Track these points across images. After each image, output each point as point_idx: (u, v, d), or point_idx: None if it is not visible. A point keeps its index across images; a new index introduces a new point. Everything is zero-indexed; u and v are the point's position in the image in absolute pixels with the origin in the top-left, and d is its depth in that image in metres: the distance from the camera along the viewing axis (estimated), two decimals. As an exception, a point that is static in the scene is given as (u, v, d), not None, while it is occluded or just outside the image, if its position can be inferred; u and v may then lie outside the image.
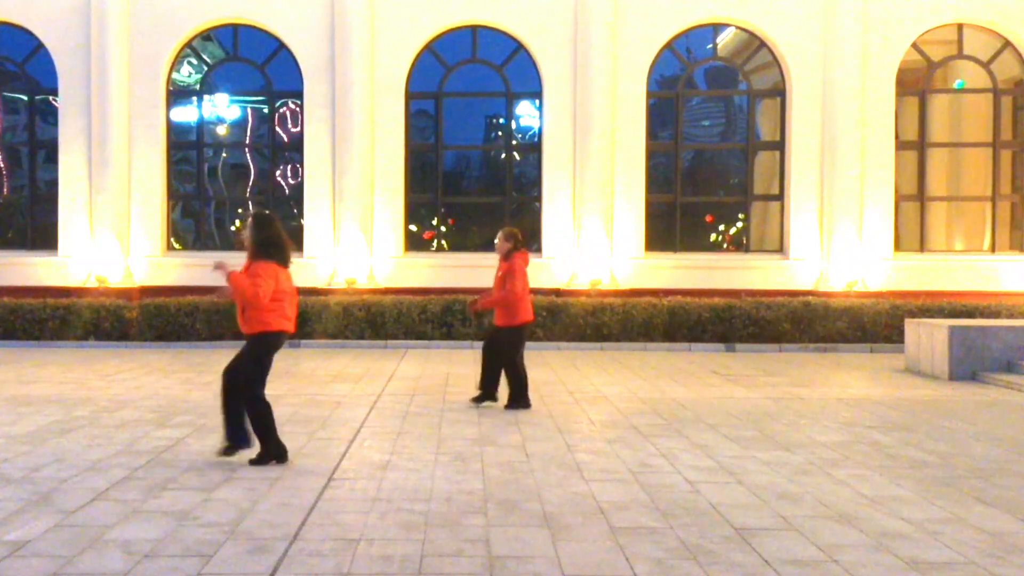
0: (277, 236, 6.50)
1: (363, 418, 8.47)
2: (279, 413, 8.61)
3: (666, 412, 8.88)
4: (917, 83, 18.03)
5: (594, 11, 17.22)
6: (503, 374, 9.03)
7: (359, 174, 17.30)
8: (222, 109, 18.62)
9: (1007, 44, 17.62)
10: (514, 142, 18.66)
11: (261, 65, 18.18)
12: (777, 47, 17.58)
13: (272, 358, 6.60)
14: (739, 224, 18.65)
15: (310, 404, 9.16)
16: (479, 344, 15.09)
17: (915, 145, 17.93)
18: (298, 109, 18.03)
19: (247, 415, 6.46)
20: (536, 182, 18.10)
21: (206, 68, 18.44)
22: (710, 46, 18.19)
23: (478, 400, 9.12)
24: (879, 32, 17.34)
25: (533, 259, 17.33)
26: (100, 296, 16.47)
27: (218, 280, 6.50)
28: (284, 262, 6.51)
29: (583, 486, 5.93)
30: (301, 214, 17.87)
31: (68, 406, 8.96)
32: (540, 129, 17.99)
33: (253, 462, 6.44)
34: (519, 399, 8.97)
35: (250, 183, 18.77)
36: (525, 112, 18.59)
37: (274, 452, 6.49)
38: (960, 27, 17.66)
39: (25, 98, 18.63)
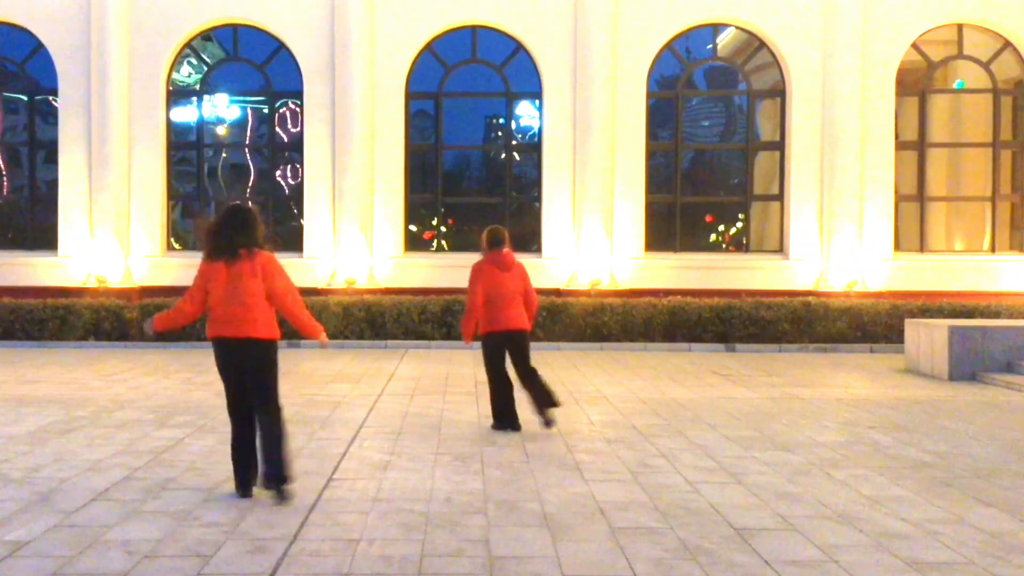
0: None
1: (363, 418, 8.47)
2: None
3: (666, 412, 8.88)
4: (917, 83, 18.03)
5: (594, 11, 17.22)
6: (521, 380, 7.96)
7: (359, 174, 17.30)
8: (222, 109, 18.63)
9: (1007, 44, 17.62)
10: (514, 142, 18.66)
11: (261, 65, 18.18)
12: (777, 47, 17.58)
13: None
14: (739, 224, 18.66)
15: (310, 404, 9.15)
16: (479, 344, 15.11)
17: (915, 145, 17.92)
18: (298, 109, 18.03)
19: (272, 432, 5.56)
20: (536, 182, 18.10)
21: (206, 68, 18.44)
22: (710, 46, 18.18)
23: (547, 425, 7.87)
24: (879, 32, 17.34)
25: (533, 259, 17.48)
26: (100, 296, 16.46)
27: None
28: None
29: (583, 486, 5.93)
30: (301, 214, 17.87)
31: (68, 406, 8.96)
32: (540, 129, 17.99)
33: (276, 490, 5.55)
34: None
35: (250, 183, 18.77)
36: (525, 112, 18.60)
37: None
38: (960, 27, 17.66)
39: (25, 98, 18.63)
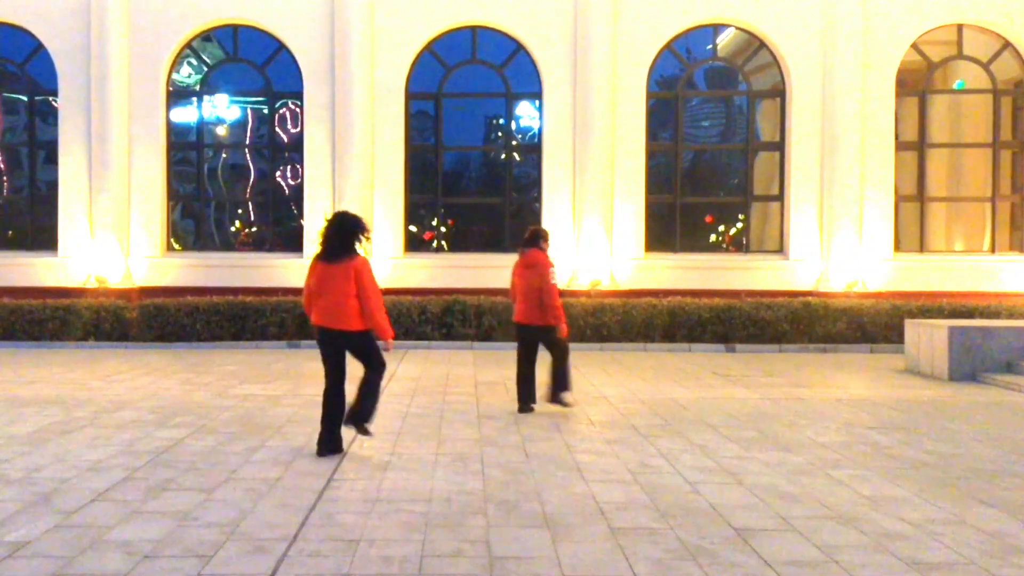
0: None
1: (363, 419, 8.46)
2: (279, 414, 8.65)
3: (666, 413, 8.88)
4: (917, 83, 18.02)
5: (594, 11, 17.22)
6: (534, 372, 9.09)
7: (359, 174, 17.30)
8: (222, 110, 18.62)
9: (1007, 44, 17.62)
10: (514, 143, 18.66)
11: (261, 66, 18.17)
12: (777, 47, 17.58)
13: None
14: (739, 224, 18.65)
15: (310, 405, 9.14)
16: (479, 345, 15.16)
17: (915, 145, 17.92)
18: (298, 110, 18.02)
19: (370, 382, 6.91)
20: (536, 183, 18.10)
21: (206, 68, 18.44)
22: (710, 46, 18.18)
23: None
24: (879, 32, 17.34)
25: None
26: (100, 297, 16.46)
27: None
28: None
29: (583, 487, 5.93)
30: (301, 215, 17.86)
31: (68, 407, 8.96)
32: (540, 129, 17.99)
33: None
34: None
35: (250, 184, 18.76)
36: (525, 112, 18.59)
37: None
38: (960, 27, 17.66)
39: (25, 99, 18.62)
